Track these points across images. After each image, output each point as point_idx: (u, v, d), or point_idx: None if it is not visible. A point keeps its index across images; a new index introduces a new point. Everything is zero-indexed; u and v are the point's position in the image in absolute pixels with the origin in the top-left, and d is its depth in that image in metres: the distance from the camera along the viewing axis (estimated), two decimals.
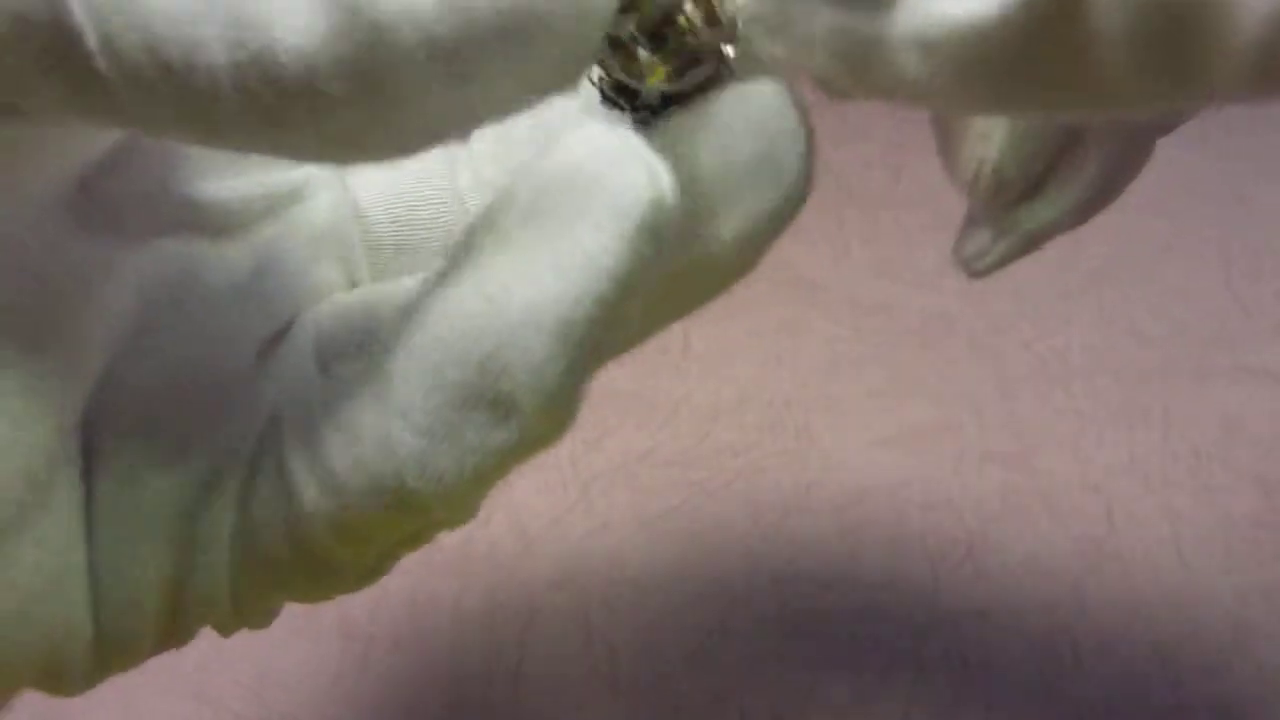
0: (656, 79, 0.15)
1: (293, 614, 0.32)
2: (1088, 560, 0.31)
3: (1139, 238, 0.40)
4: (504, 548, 0.32)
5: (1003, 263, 0.21)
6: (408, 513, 0.13)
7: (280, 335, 0.15)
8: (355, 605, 0.31)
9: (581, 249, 0.12)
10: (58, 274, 0.13)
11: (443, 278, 0.13)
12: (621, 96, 0.15)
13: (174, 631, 0.15)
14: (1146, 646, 0.29)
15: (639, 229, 0.12)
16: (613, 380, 0.36)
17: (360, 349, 0.15)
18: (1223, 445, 0.34)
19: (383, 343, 0.13)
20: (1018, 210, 0.20)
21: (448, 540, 0.32)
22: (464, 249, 0.13)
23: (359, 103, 0.11)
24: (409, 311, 0.13)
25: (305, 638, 0.30)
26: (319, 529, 0.14)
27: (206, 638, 0.32)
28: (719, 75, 0.15)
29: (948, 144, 0.20)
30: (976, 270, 0.21)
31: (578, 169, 0.12)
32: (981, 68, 0.11)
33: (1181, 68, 0.10)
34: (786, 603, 0.31)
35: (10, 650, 0.14)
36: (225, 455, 0.15)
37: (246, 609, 0.15)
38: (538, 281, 0.12)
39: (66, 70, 0.11)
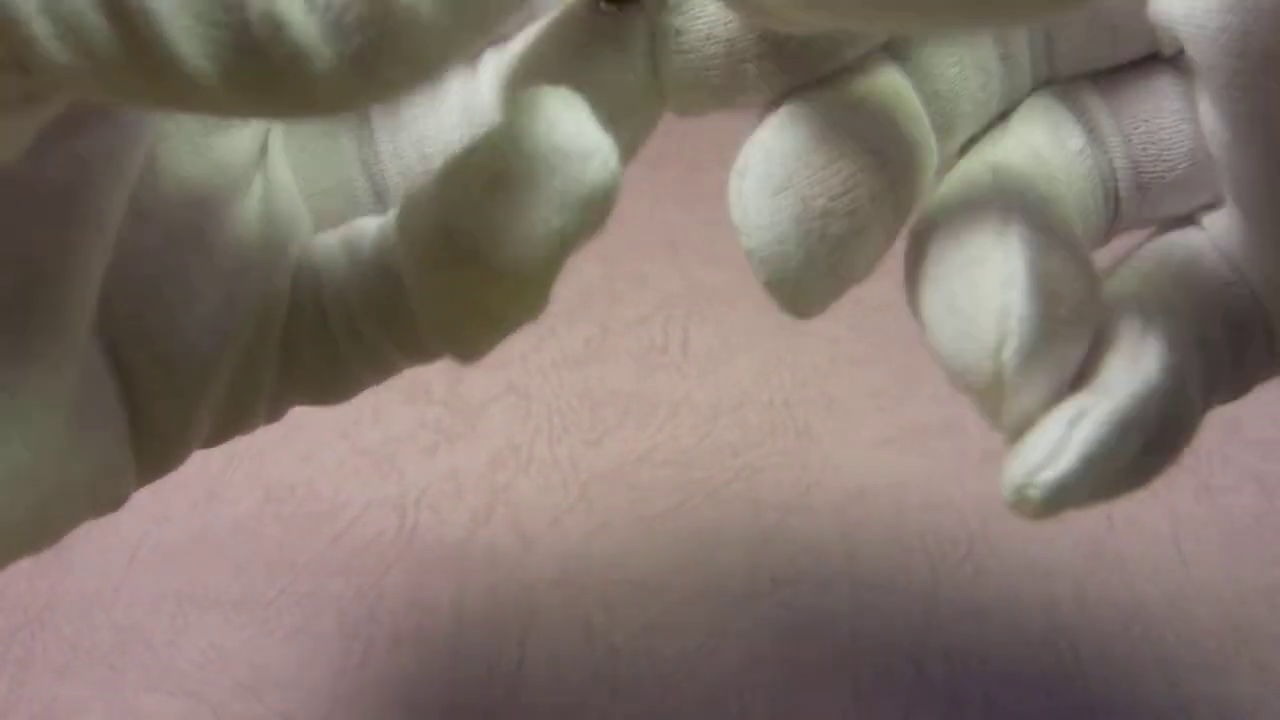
0: None
1: (293, 614, 0.32)
2: (1088, 560, 0.31)
3: (1138, 238, 0.40)
4: (504, 548, 0.32)
5: (1073, 491, 0.15)
6: None
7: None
8: (355, 605, 0.31)
9: None
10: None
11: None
12: None
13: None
14: (1146, 646, 0.29)
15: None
16: (613, 380, 0.36)
17: None
18: (1223, 445, 0.34)
19: None
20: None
21: (448, 540, 0.32)
22: None
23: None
24: None
25: (305, 637, 0.30)
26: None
27: (206, 637, 0.32)
28: None
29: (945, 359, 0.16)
30: (1039, 506, 0.15)
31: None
32: None
33: None
34: (786, 603, 0.31)
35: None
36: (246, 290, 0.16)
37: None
38: None
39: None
